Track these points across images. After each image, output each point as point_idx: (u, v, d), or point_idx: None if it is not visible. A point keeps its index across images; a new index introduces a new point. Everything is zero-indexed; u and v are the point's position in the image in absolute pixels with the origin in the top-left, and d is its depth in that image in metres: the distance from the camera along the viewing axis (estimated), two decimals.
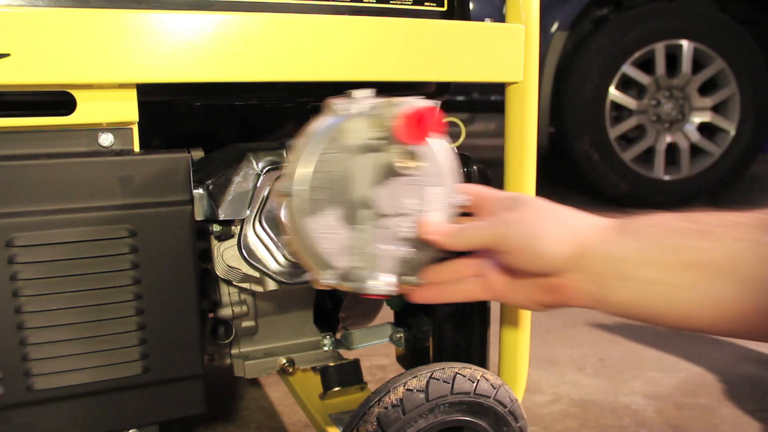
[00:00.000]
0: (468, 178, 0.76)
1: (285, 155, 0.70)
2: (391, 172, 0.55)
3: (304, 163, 0.54)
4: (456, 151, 0.79)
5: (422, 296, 0.63)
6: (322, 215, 0.55)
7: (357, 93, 0.56)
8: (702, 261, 0.48)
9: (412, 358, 0.89)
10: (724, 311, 0.48)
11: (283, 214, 0.56)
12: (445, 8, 0.72)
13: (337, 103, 0.56)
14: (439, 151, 0.59)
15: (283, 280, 0.71)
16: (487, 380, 0.67)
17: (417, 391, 0.64)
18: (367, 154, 0.56)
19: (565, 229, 0.55)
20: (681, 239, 0.50)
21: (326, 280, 0.56)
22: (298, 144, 0.55)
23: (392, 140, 0.53)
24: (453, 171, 0.60)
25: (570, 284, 0.55)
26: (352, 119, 0.55)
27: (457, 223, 0.60)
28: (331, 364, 0.89)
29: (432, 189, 0.59)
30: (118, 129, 0.60)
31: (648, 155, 2.66)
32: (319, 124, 0.56)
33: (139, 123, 0.60)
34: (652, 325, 0.52)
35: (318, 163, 0.54)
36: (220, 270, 0.69)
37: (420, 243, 0.59)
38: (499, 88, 0.78)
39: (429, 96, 0.83)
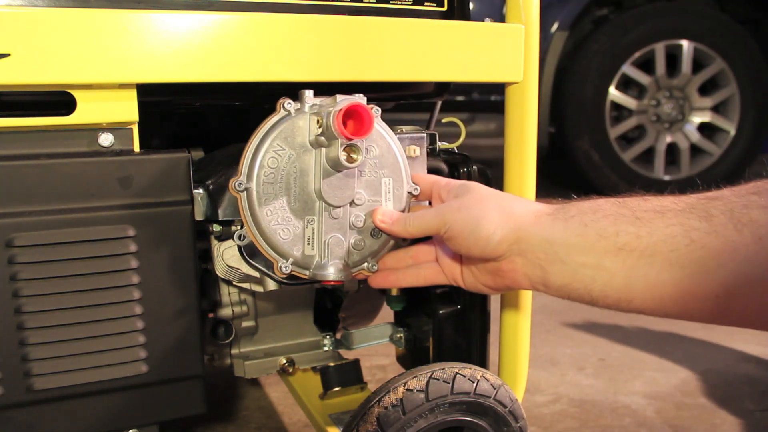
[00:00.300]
0: (468, 178, 0.76)
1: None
2: (338, 165, 0.59)
3: (255, 160, 0.59)
4: (456, 150, 0.80)
5: (381, 281, 0.66)
6: (276, 208, 0.60)
7: (306, 92, 0.61)
8: (635, 246, 0.50)
9: (412, 358, 0.89)
10: (658, 294, 0.50)
11: (240, 209, 0.60)
12: (445, 8, 0.72)
13: (286, 102, 0.60)
14: (390, 144, 0.64)
15: (283, 280, 0.71)
16: (487, 380, 0.67)
17: (417, 391, 0.64)
18: (316, 149, 0.60)
19: (504, 215, 0.57)
20: (615, 225, 0.52)
21: (285, 268, 0.61)
22: (250, 142, 0.60)
23: (335, 135, 0.57)
24: (403, 163, 0.65)
25: (512, 268, 0.57)
26: (299, 117, 0.60)
27: (413, 211, 0.64)
28: (331, 364, 0.89)
29: (384, 180, 0.64)
30: (118, 129, 0.60)
31: (648, 155, 2.66)
32: (269, 122, 0.60)
33: (139, 123, 0.60)
34: (594, 306, 0.56)
35: (269, 159, 0.59)
36: (220, 270, 0.69)
37: (374, 231, 0.64)
38: (499, 88, 0.78)
39: (428, 96, 0.83)
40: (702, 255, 0.47)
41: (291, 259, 0.61)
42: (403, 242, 0.66)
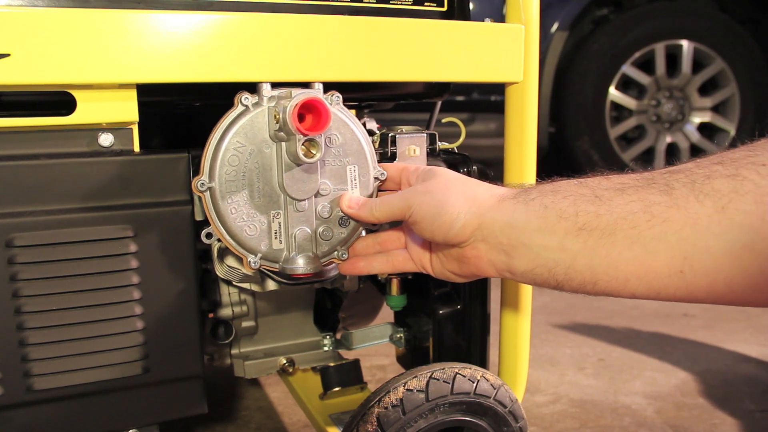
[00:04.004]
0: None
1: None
2: (298, 160, 0.59)
3: (216, 158, 0.58)
4: (456, 150, 0.80)
5: (350, 268, 0.66)
6: (240, 204, 0.59)
7: (263, 85, 0.60)
8: (595, 225, 0.49)
9: (412, 358, 0.89)
10: (622, 274, 0.49)
11: (204, 208, 0.59)
12: (445, 8, 0.72)
13: (243, 96, 0.59)
14: (353, 131, 0.63)
15: (283, 280, 0.71)
16: (487, 380, 0.67)
17: (417, 391, 0.64)
18: (276, 144, 0.60)
19: (468, 201, 0.56)
20: (574, 205, 0.51)
21: (254, 264, 0.60)
22: (210, 140, 0.59)
23: (292, 131, 0.57)
24: (368, 149, 0.64)
25: (476, 254, 0.57)
26: (258, 112, 0.60)
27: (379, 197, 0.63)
28: (331, 364, 0.89)
29: (349, 167, 0.63)
30: (118, 129, 0.60)
31: (648, 155, 2.66)
32: (228, 119, 0.59)
33: (139, 123, 0.60)
34: (561, 291, 0.54)
35: (230, 156, 0.59)
36: (219, 270, 0.69)
37: (342, 220, 0.64)
38: (499, 88, 0.78)
39: (429, 96, 0.83)
40: (663, 230, 0.46)
41: (259, 254, 0.61)
42: (372, 227, 0.66)
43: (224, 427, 1.04)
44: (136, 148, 0.61)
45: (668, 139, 2.65)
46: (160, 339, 0.62)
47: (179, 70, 0.58)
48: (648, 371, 1.29)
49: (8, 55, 0.52)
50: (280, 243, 0.61)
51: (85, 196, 0.58)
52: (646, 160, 2.65)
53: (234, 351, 0.87)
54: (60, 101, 0.57)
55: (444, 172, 0.61)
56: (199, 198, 0.64)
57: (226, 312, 0.80)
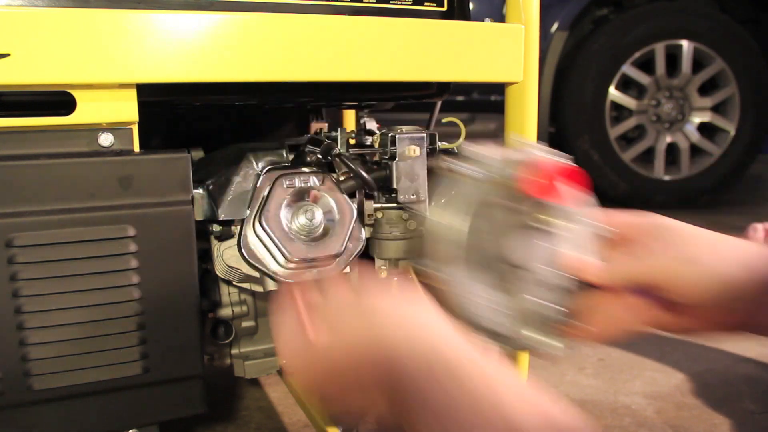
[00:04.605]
0: None
1: (285, 156, 0.71)
2: (527, 226, 0.54)
3: (434, 234, 0.53)
4: (456, 150, 0.80)
5: (595, 336, 0.58)
6: (472, 282, 0.53)
7: (482, 150, 0.54)
8: None
9: None
10: None
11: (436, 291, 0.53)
12: (445, 8, 0.72)
13: (453, 164, 0.54)
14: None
15: (283, 280, 0.71)
16: None
17: None
18: (500, 210, 0.54)
19: (720, 255, 0.51)
20: None
21: (485, 344, 0.53)
22: (427, 217, 0.53)
23: (525, 197, 0.52)
24: (589, 204, 0.56)
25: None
26: (476, 181, 0.54)
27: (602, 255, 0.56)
28: None
29: (574, 227, 0.55)
30: (118, 129, 0.60)
31: (648, 155, 2.66)
32: (442, 192, 0.54)
33: (139, 123, 0.60)
34: None
35: (447, 231, 0.53)
36: (220, 270, 0.69)
37: (575, 285, 0.55)
38: (499, 88, 0.78)
39: (428, 96, 0.83)
40: None
41: (489, 331, 0.53)
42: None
43: (224, 427, 1.04)
44: (136, 148, 0.61)
45: (668, 139, 2.65)
46: (160, 339, 0.62)
47: (179, 70, 0.58)
48: (648, 371, 1.29)
49: (8, 55, 0.52)
50: (510, 317, 0.54)
51: (85, 196, 0.58)
52: (646, 160, 2.66)
53: (234, 351, 0.87)
54: (60, 101, 0.57)
55: (680, 226, 0.54)
56: (200, 197, 0.64)
57: (226, 312, 0.80)
